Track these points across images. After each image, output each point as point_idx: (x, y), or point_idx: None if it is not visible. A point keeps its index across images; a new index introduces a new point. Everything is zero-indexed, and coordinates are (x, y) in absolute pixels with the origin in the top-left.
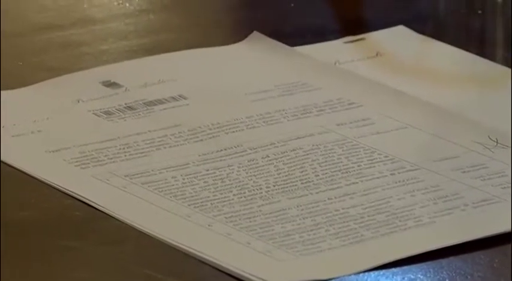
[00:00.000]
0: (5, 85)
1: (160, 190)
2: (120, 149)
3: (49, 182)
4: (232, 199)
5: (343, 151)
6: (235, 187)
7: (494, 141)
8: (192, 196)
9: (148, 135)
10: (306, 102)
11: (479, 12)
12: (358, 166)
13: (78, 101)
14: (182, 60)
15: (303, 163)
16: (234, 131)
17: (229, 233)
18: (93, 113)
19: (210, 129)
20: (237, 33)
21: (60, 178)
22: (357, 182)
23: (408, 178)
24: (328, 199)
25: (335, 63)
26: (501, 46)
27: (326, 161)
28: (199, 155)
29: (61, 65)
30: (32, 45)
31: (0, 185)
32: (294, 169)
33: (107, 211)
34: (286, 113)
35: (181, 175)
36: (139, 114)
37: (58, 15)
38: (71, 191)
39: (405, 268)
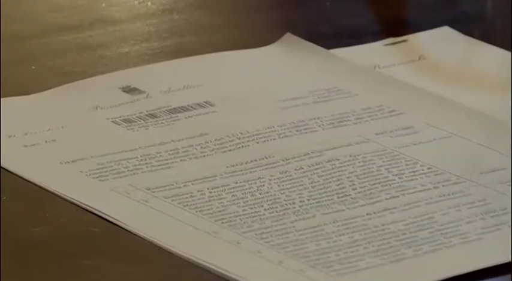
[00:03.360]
0: (17, 91)
1: (184, 204)
2: (141, 160)
3: (64, 196)
4: (263, 214)
5: (383, 162)
6: (266, 201)
7: None
8: (220, 211)
9: (171, 145)
10: (343, 110)
11: None
12: (399, 178)
13: (96, 108)
14: (209, 64)
15: (340, 175)
16: (265, 141)
17: (259, 251)
18: (112, 121)
19: (239, 138)
20: (268, 35)
21: (76, 191)
22: (398, 196)
23: (453, 191)
24: (367, 214)
25: (374, 68)
26: None
27: (364, 173)
28: (227, 167)
29: (77, 69)
30: (46, 48)
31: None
32: (330, 182)
33: (127, 227)
34: (321, 121)
35: (207, 188)
36: (162, 123)
37: (74, 16)
38: (88, 206)
39: None
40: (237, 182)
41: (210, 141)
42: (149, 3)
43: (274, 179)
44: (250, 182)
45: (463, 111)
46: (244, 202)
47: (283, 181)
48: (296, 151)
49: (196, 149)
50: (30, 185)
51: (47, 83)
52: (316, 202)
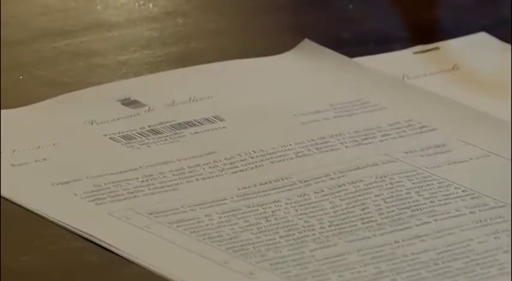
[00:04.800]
0: (3, 103)
1: (191, 230)
2: (142, 181)
3: (56, 221)
4: (279, 242)
5: (412, 184)
6: (283, 227)
7: None
8: (231, 238)
9: (176, 164)
10: (368, 125)
11: None
12: (431, 202)
13: (92, 123)
14: (218, 74)
15: (364, 199)
16: (281, 160)
17: None
18: (110, 138)
19: (252, 157)
20: (283, 41)
21: (69, 215)
22: (430, 222)
23: (491, 216)
24: (395, 242)
25: (403, 78)
26: None
27: (392, 197)
28: (238, 189)
29: (70, 79)
30: (35, 56)
31: None
32: (354, 206)
33: (127, 256)
34: (343, 138)
35: (216, 213)
36: (166, 140)
37: (66, 19)
38: (83, 232)
39: None
40: (249, 206)
41: (220, 160)
42: (151, 6)
43: (291, 202)
44: (264, 206)
45: (502, 127)
46: (257, 228)
47: (301, 205)
48: (316, 171)
49: (204, 169)
50: (18, 209)
51: (36, 95)
52: (338, 229)
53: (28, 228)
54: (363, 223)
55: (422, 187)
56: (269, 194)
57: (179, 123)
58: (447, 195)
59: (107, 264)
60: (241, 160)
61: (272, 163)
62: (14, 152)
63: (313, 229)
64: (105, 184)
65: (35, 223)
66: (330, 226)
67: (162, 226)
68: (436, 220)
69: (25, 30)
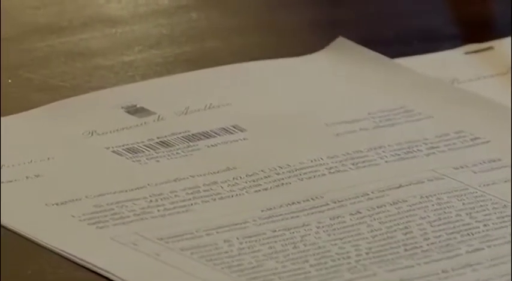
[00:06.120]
0: None
1: (208, 258)
2: (151, 201)
3: (52, 247)
4: (309, 272)
5: (463, 204)
6: (313, 254)
7: None
8: (253, 267)
9: (190, 182)
10: (412, 137)
11: None
12: (485, 225)
13: (92, 134)
14: (237, 77)
15: (408, 222)
16: (311, 177)
17: None
18: (113, 151)
19: (278, 174)
20: (312, 39)
21: (67, 241)
22: (483, 248)
23: None
24: (443, 271)
25: (452, 82)
26: None
27: (440, 219)
28: (262, 210)
29: (66, 83)
30: (25, 55)
31: None
32: (395, 230)
33: None
34: (384, 151)
35: (237, 238)
36: (178, 153)
37: (62, 13)
38: (82, 260)
39: None
40: (275, 230)
41: (240, 177)
42: None
43: (323, 226)
44: (291, 231)
45: None
46: (284, 256)
47: (334, 229)
48: (351, 190)
49: (221, 187)
50: (7, 234)
51: (27, 101)
52: (378, 256)
53: (20, 256)
54: (406, 250)
55: (474, 208)
56: (297, 216)
57: (193, 135)
58: (502, 217)
59: None
60: (265, 177)
61: (301, 180)
62: (1, 167)
63: (348, 257)
64: (107, 204)
65: (28, 249)
66: (367, 253)
67: (174, 252)
68: (489, 246)
69: (14, 26)
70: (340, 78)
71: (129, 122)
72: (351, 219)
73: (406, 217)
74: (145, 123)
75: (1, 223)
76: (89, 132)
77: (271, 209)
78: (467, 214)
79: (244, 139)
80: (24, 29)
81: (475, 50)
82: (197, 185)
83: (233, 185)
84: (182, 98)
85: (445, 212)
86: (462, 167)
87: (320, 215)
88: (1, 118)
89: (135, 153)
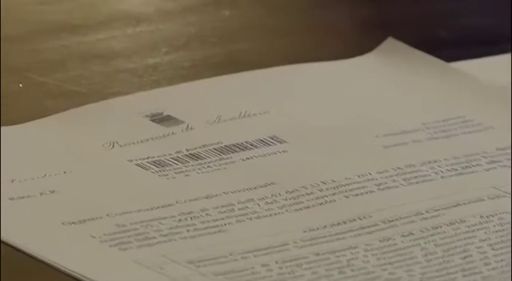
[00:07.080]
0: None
1: None
2: (179, 220)
3: (69, 271)
4: None
5: None
6: (361, 280)
7: None
8: None
9: (223, 199)
10: (471, 150)
11: None
12: None
13: (113, 145)
14: (275, 82)
15: (466, 244)
16: (358, 194)
17: None
18: (137, 164)
19: (321, 190)
20: (360, 40)
21: (86, 264)
22: None
23: None
24: None
25: None
26: None
27: (502, 242)
28: (304, 231)
29: (83, 89)
30: (37, 57)
31: None
32: (452, 254)
33: None
34: (439, 166)
35: (276, 262)
36: (210, 167)
37: (76, 10)
38: None
39: None
40: (318, 254)
41: (280, 194)
42: None
43: (371, 249)
44: (337, 254)
45: None
46: None
47: (384, 253)
48: (403, 209)
49: (258, 205)
50: (20, 255)
51: (40, 108)
52: None
53: (33, 279)
54: (464, 276)
55: None
56: (343, 238)
57: (226, 146)
58: None
59: None
60: (307, 194)
61: (347, 197)
62: (13, 182)
63: None
64: (131, 224)
65: (43, 272)
66: (421, 280)
67: (206, 278)
68: None
69: (24, 24)
70: (390, 84)
71: (154, 132)
72: (402, 241)
73: (465, 239)
74: (172, 133)
75: (12, 244)
76: (110, 144)
77: (314, 230)
78: None
79: (283, 152)
80: (36, 27)
81: None
82: (231, 202)
83: (271, 202)
84: (213, 105)
85: (507, 234)
86: None
87: (368, 237)
88: (10, 127)
89: (162, 166)
